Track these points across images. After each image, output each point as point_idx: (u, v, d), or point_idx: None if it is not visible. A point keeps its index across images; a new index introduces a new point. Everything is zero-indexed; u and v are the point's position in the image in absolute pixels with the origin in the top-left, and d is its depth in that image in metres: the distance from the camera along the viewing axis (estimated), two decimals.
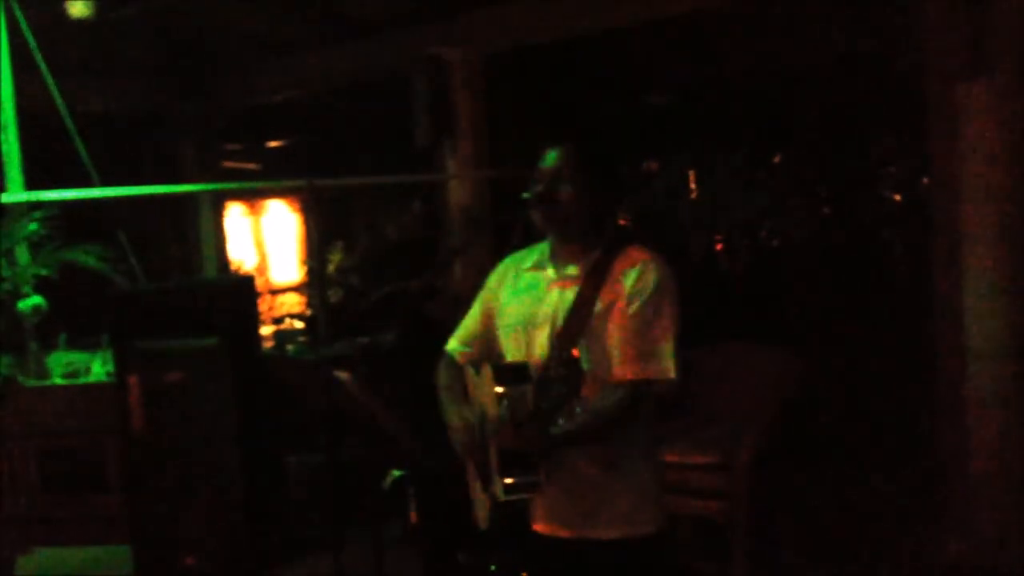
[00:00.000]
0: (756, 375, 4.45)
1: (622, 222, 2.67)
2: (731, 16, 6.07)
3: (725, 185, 7.09)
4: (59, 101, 5.82)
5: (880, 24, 5.61)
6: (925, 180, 6.27)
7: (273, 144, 9.51)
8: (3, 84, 5.76)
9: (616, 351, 2.42)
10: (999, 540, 4.21)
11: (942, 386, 4.41)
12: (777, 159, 7.19)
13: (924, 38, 4.34)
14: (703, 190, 7.37)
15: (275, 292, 9.19)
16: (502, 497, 2.37)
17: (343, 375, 2.89)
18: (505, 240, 2.86)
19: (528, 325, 2.54)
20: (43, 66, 5.76)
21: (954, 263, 4.25)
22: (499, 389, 2.36)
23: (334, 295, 7.52)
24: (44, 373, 5.57)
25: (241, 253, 9.15)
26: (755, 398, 4.34)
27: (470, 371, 2.69)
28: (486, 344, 2.70)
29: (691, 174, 7.47)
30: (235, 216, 9.26)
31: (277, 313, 8.45)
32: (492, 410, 2.39)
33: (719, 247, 7.49)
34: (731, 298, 6.63)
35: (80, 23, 6.32)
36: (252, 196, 9.15)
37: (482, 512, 2.64)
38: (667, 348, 2.42)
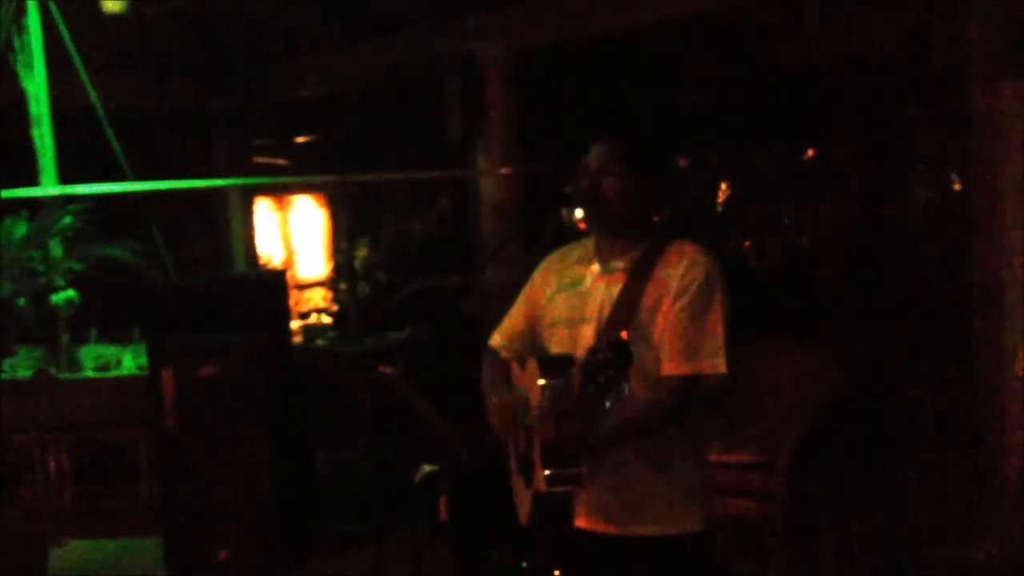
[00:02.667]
0: (795, 373, 4.42)
1: (656, 219, 2.63)
2: (764, 12, 6.03)
3: (756, 182, 7.04)
4: (93, 96, 5.85)
5: (917, 20, 5.55)
6: (954, 178, 6.21)
7: (303, 140, 9.53)
8: (38, 79, 5.80)
9: (666, 346, 2.41)
10: None
11: (981, 386, 4.36)
12: (809, 155, 7.14)
13: (966, 36, 4.29)
14: (734, 187, 7.32)
15: (301, 287, 9.21)
16: (544, 488, 2.36)
17: (387, 369, 2.89)
18: (537, 237, 2.85)
19: (574, 320, 2.53)
20: (77, 61, 5.79)
21: (995, 262, 4.20)
22: (542, 381, 2.34)
23: (361, 290, 7.54)
24: (76, 366, 5.60)
25: (269, 247, 9.17)
26: (794, 397, 4.31)
27: (515, 365, 2.68)
28: (530, 339, 2.69)
29: (722, 171, 7.42)
30: (263, 211, 9.29)
31: (304, 308, 8.47)
32: (536, 403, 2.38)
33: (747, 244, 7.45)
34: (762, 295, 6.58)
35: (114, 19, 6.35)
36: (281, 191, 9.17)
37: (524, 508, 2.63)
38: (717, 342, 2.40)
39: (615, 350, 2.15)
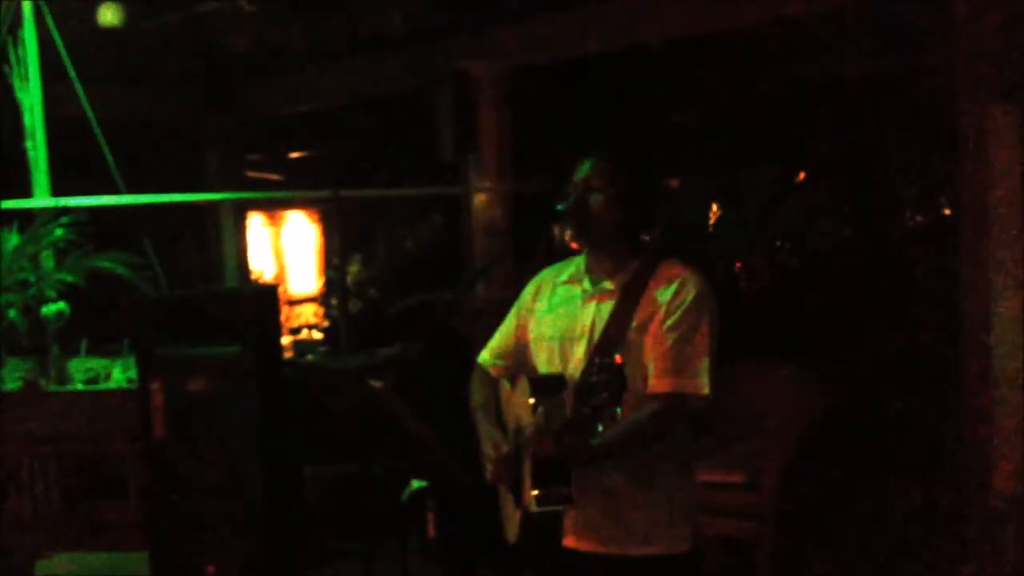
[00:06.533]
0: (782, 393, 4.44)
1: (646, 237, 2.64)
2: (758, 35, 6.08)
3: (748, 204, 7.08)
4: (87, 108, 5.85)
5: (908, 45, 5.60)
6: (943, 202, 6.25)
7: (296, 155, 9.55)
8: (33, 90, 5.80)
9: (651, 364, 2.42)
10: (1021, 563, 4.17)
11: (966, 409, 4.37)
12: (801, 177, 7.18)
13: (956, 60, 4.32)
14: (726, 209, 7.36)
15: (293, 303, 9.21)
16: (534, 508, 2.37)
17: (377, 384, 2.89)
18: (529, 254, 2.86)
19: (564, 339, 2.54)
20: (72, 74, 5.80)
21: (982, 287, 4.22)
22: (532, 401, 2.36)
23: (353, 307, 7.54)
24: (65, 378, 5.58)
25: (261, 262, 9.18)
26: (782, 417, 4.32)
27: (504, 384, 2.68)
28: (519, 357, 2.70)
29: (715, 192, 7.46)
30: (255, 226, 9.30)
31: (294, 324, 8.47)
32: (527, 421, 2.39)
33: (738, 265, 7.48)
34: (753, 317, 6.61)
35: (109, 32, 6.37)
36: (274, 206, 9.18)
37: (512, 526, 2.64)
38: (702, 364, 2.42)
39: (609, 373, 2.16)
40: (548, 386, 2.38)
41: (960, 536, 4.37)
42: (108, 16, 6.35)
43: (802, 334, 6.04)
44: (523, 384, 2.46)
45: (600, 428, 2.23)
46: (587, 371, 2.22)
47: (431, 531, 3.85)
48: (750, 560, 4.20)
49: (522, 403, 2.43)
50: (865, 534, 4.64)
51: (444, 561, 4.29)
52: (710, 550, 4.32)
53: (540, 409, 2.30)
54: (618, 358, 2.20)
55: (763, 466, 4.18)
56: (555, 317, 2.60)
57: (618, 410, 2.18)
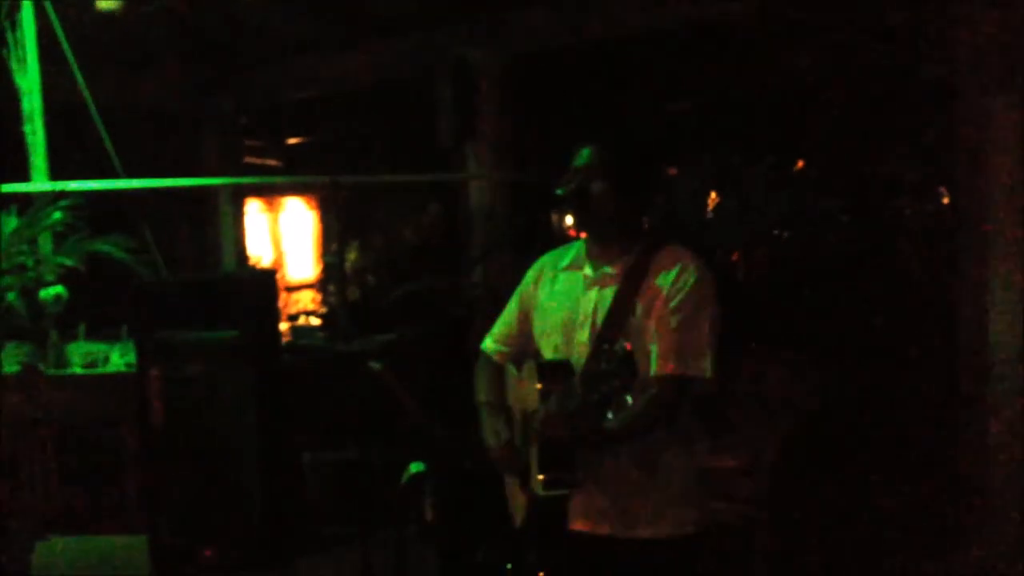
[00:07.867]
0: (779, 379, 4.45)
1: (646, 226, 2.65)
2: (755, 23, 6.07)
3: (746, 193, 7.06)
4: (86, 92, 5.84)
5: (907, 34, 5.59)
6: (943, 191, 6.24)
7: (294, 141, 9.55)
8: (31, 74, 5.79)
9: (654, 348, 2.42)
10: (1018, 551, 4.20)
11: (963, 398, 4.39)
12: (799, 166, 7.17)
13: (955, 50, 4.32)
14: (725, 197, 7.35)
15: (291, 289, 9.22)
16: (540, 492, 2.39)
17: (377, 365, 2.90)
18: (527, 241, 2.87)
19: (567, 325, 2.55)
20: (70, 57, 5.79)
21: (981, 274, 4.24)
22: (539, 386, 2.38)
23: (351, 294, 7.54)
24: (63, 362, 5.59)
25: (259, 249, 9.19)
26: (780, 404, 4.34)
27: (510, 369, 2.69)
28: (523, 343, 2.72)
29: (712, 182, 7.45)
30: (253, 212, 9.30)
31: (292, 310, 8.47)
32: (534, 407, 2.40)
33: (736, 255, 7.47)
34: (750, 305, 6.61)
35: (108, 16, 6.36)
36: (272, 192, 9.18)
37: (519, 509, 2.65)
38: (705, 346, 2.43)
39: (619, 361, 2.18)
40: (555, 372, 2.40)
41: (957, 526, 4.39)
42: (107, 1, 6.34)
43: (801, 322, 6.05)
44: (530, 370, 2.48)
45: (609, 415, 2.25)
46: (596, 358, 2.23)
47: (430, 515, 3.87)
48: (746, 546, 4.21)
49: (529, 388, 2.45)
50: (860, 521, 4.66)
51: (442, 545, 4.30)
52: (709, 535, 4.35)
53: (551, 396, 2.31)
54: (628, 346, 2.22)
55: (760, 452, 4.20)
56: (557, 304, 2.61)
57: (628, 397, 2.20)
